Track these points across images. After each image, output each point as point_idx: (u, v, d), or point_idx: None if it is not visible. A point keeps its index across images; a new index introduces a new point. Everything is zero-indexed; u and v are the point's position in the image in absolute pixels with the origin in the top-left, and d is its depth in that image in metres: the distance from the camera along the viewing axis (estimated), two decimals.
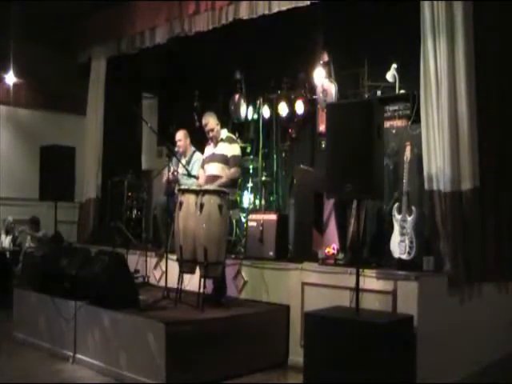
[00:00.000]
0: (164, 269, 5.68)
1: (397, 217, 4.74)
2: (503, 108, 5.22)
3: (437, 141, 4.78)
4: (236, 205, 6.49)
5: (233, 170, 5.96)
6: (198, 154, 6.71)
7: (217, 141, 6.07)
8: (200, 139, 6.70)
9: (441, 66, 4.78)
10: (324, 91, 6.30)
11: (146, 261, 6.43)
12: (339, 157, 4.30)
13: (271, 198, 7.27)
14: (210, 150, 6.19)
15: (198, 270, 5.12)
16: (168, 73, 9.09)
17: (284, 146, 7.44)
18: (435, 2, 4.81)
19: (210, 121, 6.06)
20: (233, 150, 6.01)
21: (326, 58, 6.47)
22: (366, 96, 5.86)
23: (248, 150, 7.38)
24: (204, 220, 4.98)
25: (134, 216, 7.74)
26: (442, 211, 4.71)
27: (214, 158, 6.05)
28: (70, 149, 7.05)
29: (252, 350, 4.89)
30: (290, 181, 6.89)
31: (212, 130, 6.06)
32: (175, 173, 6.30)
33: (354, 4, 6.11)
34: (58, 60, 8.74)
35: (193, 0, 6.76)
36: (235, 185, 6.13)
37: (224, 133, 6.15)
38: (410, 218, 4.66)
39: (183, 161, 6.50)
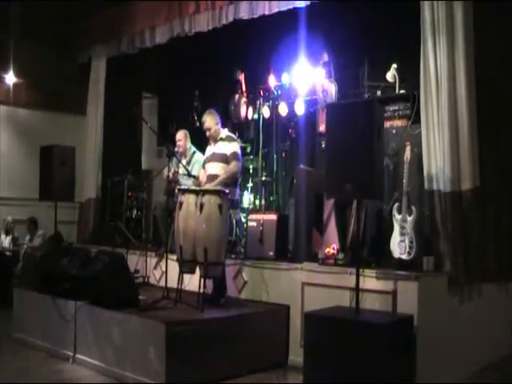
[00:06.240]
0: (164, 269, 5.67)
1: (397, 217, 4.73)
2: (503, 108, 5.22)
3: (437, 141, 4.78)
4: (236, 205, 6.47)
5: (231, 165, 5.90)
6: (198, 154, 6.71)
7: (215, 140, 6.04)
8: (200, 139, 6.69)
9: (441, 66, 4.78)
10: (324, 91, 6.30)
11: (146, 261, 6.44)
12: (339, 157, 4.31)
13: (271, 198, 7.26)
14: (210, 149, 6.17)
15: (198, 270, 5.13)
16: (168, 73, 9.08)
17: (284, 146, 7.43)
18: (435, 2, 4.81)
19: (208, 120, 6.03)
20: (232, 147, 5.98)
21: (325, 58, 6.46)
22: (366, 96, 5.86)
23: (248, 150, 7.37)
24: (204, 220, 4.97)
25: (134, 216, 7.75)
26: (441, 211, 4.71)
27: (214, 157, 6.04)
28: (70, 149, 7.05)
29: (252, 350, 4.90)
30: (289, 181, 6.88)
31: (209, 129, 6.01)
32: (175, 173, 6.30)
33: (353, 4, 6.10)
34: (58, 60, 8.73)
35: (193, 0, 6.77)
36: (235, 183, 6.11)
37: (224, 132, 6.13)
38: (410, 218, 4.66)
39: (183, 161, 6.50)
